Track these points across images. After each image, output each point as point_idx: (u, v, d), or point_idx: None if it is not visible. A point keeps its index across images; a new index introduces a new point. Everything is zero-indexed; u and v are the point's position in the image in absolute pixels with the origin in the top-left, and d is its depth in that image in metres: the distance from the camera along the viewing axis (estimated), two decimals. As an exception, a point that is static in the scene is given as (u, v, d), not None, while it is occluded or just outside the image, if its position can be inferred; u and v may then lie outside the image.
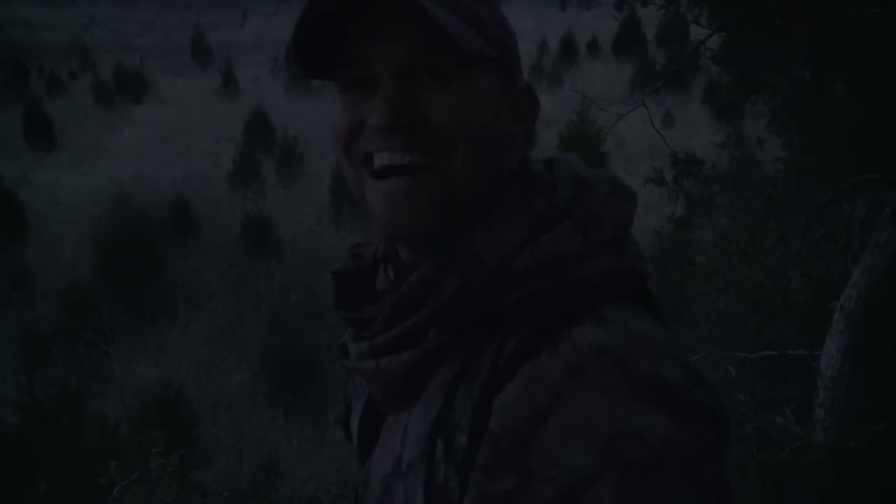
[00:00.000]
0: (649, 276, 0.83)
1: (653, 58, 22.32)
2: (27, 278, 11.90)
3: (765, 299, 5.29)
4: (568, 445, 0.66)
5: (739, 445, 4.73)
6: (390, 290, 0.86)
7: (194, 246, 13.03)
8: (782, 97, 5.23)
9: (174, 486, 5.52)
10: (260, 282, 11.72)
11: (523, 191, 0.81)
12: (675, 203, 6.53)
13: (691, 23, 5.30)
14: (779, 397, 4.86)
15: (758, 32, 4.63)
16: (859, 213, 5.12)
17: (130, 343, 10.18)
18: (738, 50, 5.05)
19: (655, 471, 0.64)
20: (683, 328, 7.02)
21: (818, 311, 4.87)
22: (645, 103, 4.98)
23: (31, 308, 11.06)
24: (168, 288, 11.58)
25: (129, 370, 9.58)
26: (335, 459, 7.48)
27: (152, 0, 55.15)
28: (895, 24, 4.04)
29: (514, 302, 0.77)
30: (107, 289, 11.06)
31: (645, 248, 0.84)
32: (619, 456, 0.64)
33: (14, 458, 5.19)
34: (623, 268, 0.80)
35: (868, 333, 4.43)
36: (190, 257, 12.68)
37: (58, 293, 10.77)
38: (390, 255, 0.89)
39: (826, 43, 4.35)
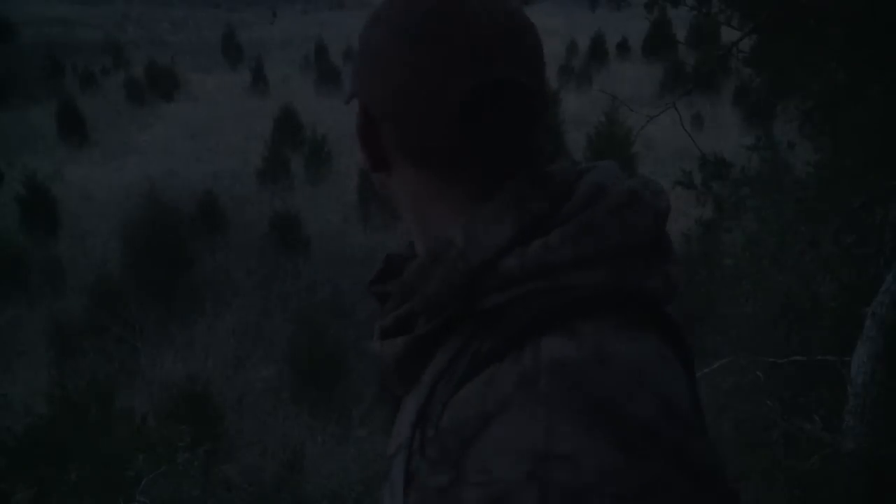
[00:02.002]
0: (664, 297, 0.78)
1: (683, 59, 22.15)
2: (58, 272, 12.06)
3: (794, 304, 5.23)
4: (500, 455, 0.64)
5: (766, 451, 4.68)
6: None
7: (222, 242, 13.13)
8: (814, 100, 5.17)
9: (200, 480, 5.58)
10: (287, 279, 11.78)
11: (520, 191, 0.79)
12: (704, 206, 6.48)
13: (723, 24, 5.24)
14: (807, 403, 4.82)
15: (792, 35, 4.58)
16: (892, 218, 5.05)
17: (158, 337, 10.29)
18: (771, 52, 4.99)
19: (580, 501, 0.61)
20: (711, 332, 6.97)
21: (849, 317, 4.82)
22: (675, 105, 4.94)
23: (61, 301, 11.21)
24: (196, 283, 11.68)
25: (157, 364, 9.69)
26: (359, 457, 7.51)
27: (185, -2, 55.75)
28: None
29: (504, 303, 0.75)
30: (136, 284, 11.18)
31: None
32: (547, 477, 0.62)
33: (46, 449, 5.27)
34: (620, 284, 0.75)
35: (900, 340, 4.36)
36: (218, 253, 12.78)
37: (88, 287, 10.91)
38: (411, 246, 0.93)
39: (862, 45, 4.29)
